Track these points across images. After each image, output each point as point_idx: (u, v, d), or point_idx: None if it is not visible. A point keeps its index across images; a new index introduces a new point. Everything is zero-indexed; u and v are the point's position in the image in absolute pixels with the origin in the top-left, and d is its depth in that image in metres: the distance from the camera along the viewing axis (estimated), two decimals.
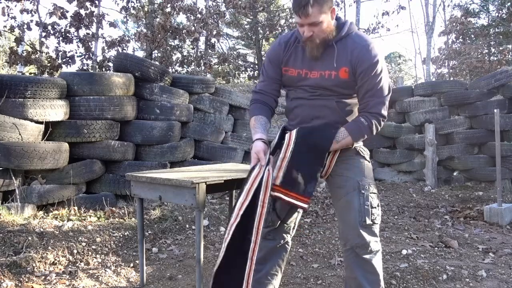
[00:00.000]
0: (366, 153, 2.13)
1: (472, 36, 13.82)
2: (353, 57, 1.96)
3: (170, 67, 8.44)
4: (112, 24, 8.53)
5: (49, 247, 3.22)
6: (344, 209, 2.03)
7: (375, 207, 2.02)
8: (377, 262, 2.04)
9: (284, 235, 2.15)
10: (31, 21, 7.93)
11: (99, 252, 3.35)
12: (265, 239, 2.13)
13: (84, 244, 3.37)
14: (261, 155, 1.98)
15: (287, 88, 2.18)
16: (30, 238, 3.26)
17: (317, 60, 2.01)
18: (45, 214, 4.25)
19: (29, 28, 7.83)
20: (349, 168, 2.05)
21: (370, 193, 2.02)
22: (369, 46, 1.96)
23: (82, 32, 8.08)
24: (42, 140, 4.48)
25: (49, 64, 7.55)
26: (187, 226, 4.08)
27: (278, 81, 2.18)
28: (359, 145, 2.12)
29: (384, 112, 2.01)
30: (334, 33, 1.97)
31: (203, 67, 8.94)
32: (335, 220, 4.21)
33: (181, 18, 25.53)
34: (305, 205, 1.98)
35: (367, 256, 2.00)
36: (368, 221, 1.98)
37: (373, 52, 1.96)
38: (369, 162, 2.12)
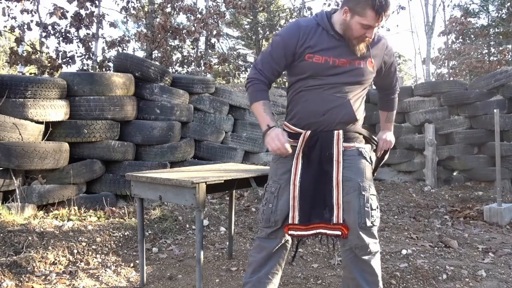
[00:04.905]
0: (367, 154, 2.12)
1: (472, 36, 13.83)
2: (385, 49, 2.11)
3: (170, 67, 8.44)
4: (112, 24, 8.54)
5: (49, 247, 3.22)
6: (344, 210, 2.03)
7: (375, 209, 2.01)
8: (376, 263, 2.03)
9: (285, 233, 2.15)
10: (32, 21, 7.95)
11: (99, 252, 3.36)
12: (268, 239, 2.12)
13: (84, 244, 3.38)
14: (288, 147, 1.97)
15: (299, 76, 2.04)
16: (30, 238, 3.26)
17: (347, 52, 1.99)
18: (45, 214, 4.25)
19: (30, 28, 7.85)
20: (350, 168, 2.04)
21: (371, 194, 2.01)
22: (386, 38, 2.15)
23: (82, 32, 8.11)
24: (42, 140, 4.48)
25: (49, 64, 7.56)
26: (187, 226, 4.08)
27: (281, 67, 2.06)
28: (362, 146, 2.12)
29: None
30: None
31: (203, 67, 8.95)
32: None
33: (181, 18, 25.52)
34: (337, 232, 2.01)
35: (366, 257, 1.99)
36: (368, 223, 1.97)
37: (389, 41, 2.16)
38: (370, 163, 2.12)
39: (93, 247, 3.38)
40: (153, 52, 8.52)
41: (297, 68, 2.03)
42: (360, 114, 2.11)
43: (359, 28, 1.91)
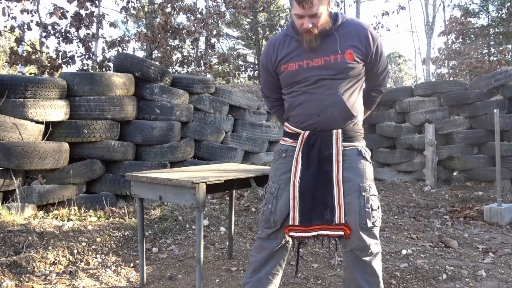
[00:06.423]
0: (368, 154, 2.11)
1: (472, 36, 13.82)
2: (362, 38, 2.02)
3: (170, 67, 8.45)
4: (112, 24, 8.55)
5: (49, 247, 3.22)
6: (345, 211, 2.02)
7: (376, 209, 2.00)
8: (377, 264, 2.03)
9: (285, 234, 2.15)
10: (32, 21, 7.96)
11: (99, 252, 3.36)
12: (268, 239, 2.12)
13: (84, 244, 3.38)
14: None
15: (288, 87, 2.13)
16: (30, 238, 3.26)
17: (317, 50, 2.01)
18: (46, 214, 4.25)
19: (30, 28, 7.85)
20: (350, 169, 2.03)
21: (371, 195, 2.00)
22: (370, 27, 2.08)
23: (82, 32, 8.12)
24: (42, 140, 4.48)
25: (49, 64, 7.56)
26: (187, 226, 4.08)
27: (277, 83, 2.19)
28: (362, 145, 2.11)
29: None
30: (330, 24, 1.99)
31: (203, 67, 8.96)
32: None
33: (181, 18, 25.55)
34: (340, 232, 2.00)
35: (367, 259, 1.99)
36: (369, 224, 1.96)
37: (375, 32, 2.09)
38: (370, 163, 2.11)
39: (93, 247, 3.38)
40: (153, 52, 8.53)
41: (282, 80, 2.15)
42: (357, 109, 2.08)
43: (296, 19, 1.97)
